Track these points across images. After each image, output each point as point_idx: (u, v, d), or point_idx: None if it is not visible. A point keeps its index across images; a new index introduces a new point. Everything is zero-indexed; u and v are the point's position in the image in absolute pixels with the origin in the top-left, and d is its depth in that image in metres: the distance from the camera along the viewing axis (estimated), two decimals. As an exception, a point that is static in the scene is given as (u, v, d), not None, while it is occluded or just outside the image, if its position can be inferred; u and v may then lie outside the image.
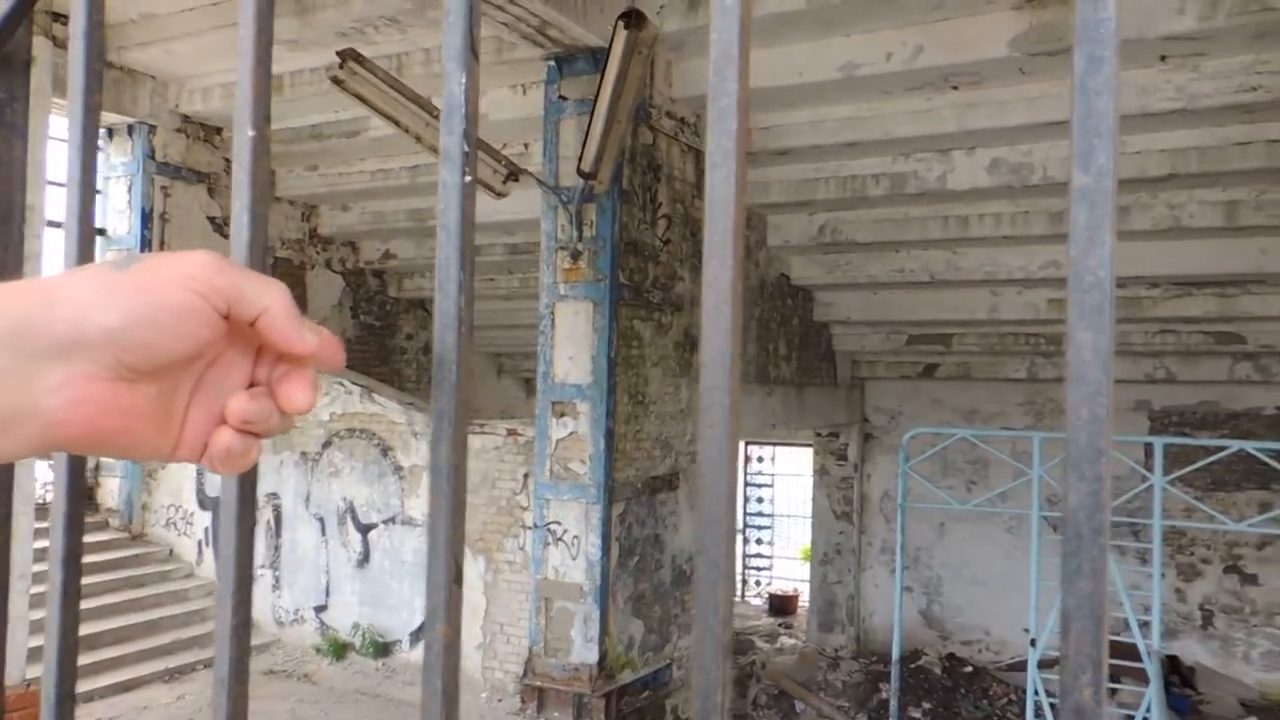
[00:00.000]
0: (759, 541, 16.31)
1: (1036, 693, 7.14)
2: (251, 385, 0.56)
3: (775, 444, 16.15)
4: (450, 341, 0.59)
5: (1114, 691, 9.31)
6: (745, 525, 16.35)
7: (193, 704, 7.97)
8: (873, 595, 12.79)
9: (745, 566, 16.24)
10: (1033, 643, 7.16)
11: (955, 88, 7.90)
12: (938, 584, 12.57)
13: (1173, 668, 10.80)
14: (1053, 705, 7.67)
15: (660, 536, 9.18)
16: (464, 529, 0.61)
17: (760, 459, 16.44)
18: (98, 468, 10.68)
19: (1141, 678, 10.09)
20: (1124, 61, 7.33)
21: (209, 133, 11.13)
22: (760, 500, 16.42)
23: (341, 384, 9.86)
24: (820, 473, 13.46)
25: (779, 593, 15.38)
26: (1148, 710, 6.46)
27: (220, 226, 11.35)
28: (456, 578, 0.60)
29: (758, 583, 16.17)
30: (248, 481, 0.69)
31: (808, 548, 14.26)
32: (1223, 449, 7.50)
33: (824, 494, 13.39)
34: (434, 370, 0.59)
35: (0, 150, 0.94)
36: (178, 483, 10.46)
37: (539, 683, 8.43)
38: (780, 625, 14.27)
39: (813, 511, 13.64)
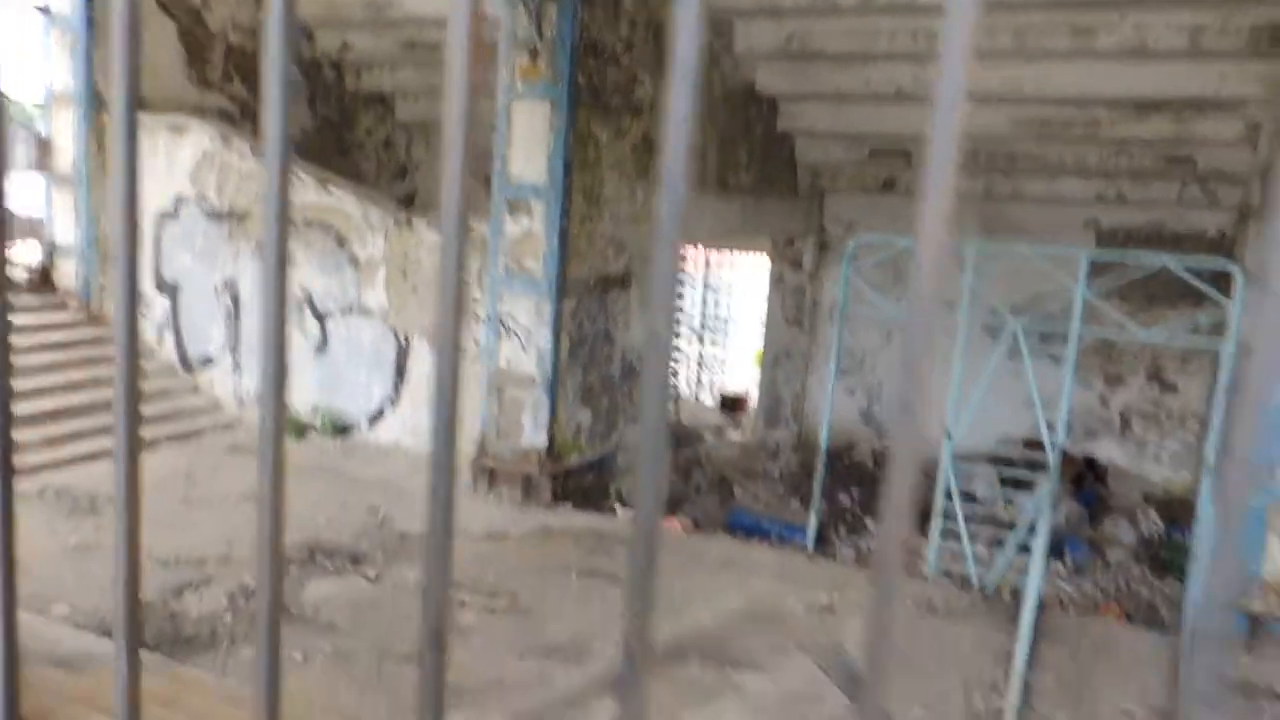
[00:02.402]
0: (714, 344, 16.81)
1: (947, 479, 7.76)
2: None
3: (733, 250, 16.37)
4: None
5: (1031, 483, 9.99)
6: (702, 327, 16.80)
7: (156, 474, 8.43)
8: (817, 395, 13.34)
9: (700, 367, 16.80)
10: (948, 435, 7.70)
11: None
12: (879, 388, 13.17)
13: (1089, 466, 11.58)
14: (962, 492, 8.29)
15: (610, 332, 9.52)
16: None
17: (719, 264, 16.70)
18: (53, 249, 10.75)
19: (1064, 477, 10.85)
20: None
21: (151, -98, 10.55)
22: (717, 304, 16.80)
23: (297, 175, 9.84)
24: (776, 280, 13.76)
25: (730, 393, 16.02)
26: (1048, 498, 7.04)
27: (166, 5, 10.95)
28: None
29: (711, 383, 16.78)
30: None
31: (761, 352, 14.74)
32: (1147, 265, 7.79)
33: (778, 300, 13.74)
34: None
35: None
36: (136, 268, 10.58)
37: (490, 464, 8.96)
38: (729, 422, 14.96)
39: (766, 317, 14.03)
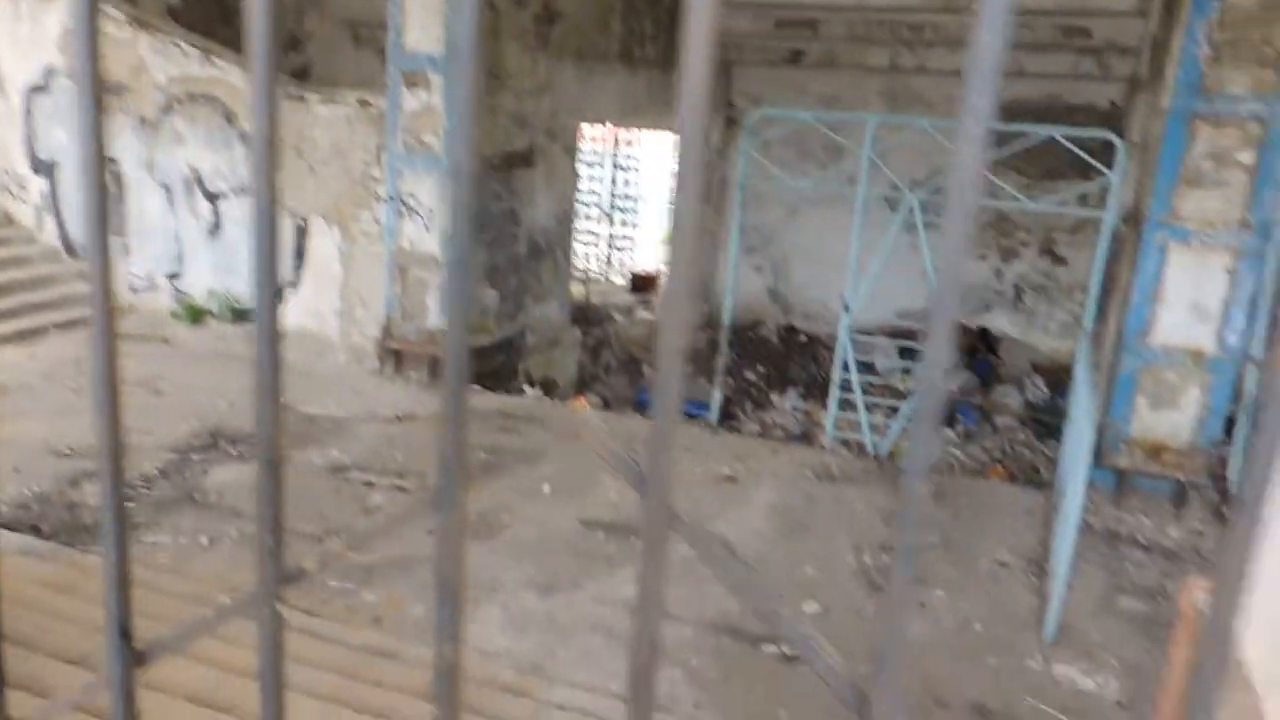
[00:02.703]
0: (624, 224, 16.70)
1: (845, 350, 8.02)
2: None
3: (643, 128, 16.13)
4: None
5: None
6: (613, 207, 16.65)
7: (45, 362, 8.16)
8: (725, 274, 13.47)
9: (611, 247, 16.73)
10: (846, 308, 7.91)
11: None
12: (785, 264, 13.34)
13: (982, 337, 12.05)
14: (859, 361, 8.58)
15: (516, 211, 9.39)
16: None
17: (629, 143, 16.44)
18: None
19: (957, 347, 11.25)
20: None
21: None
22: (627, 184, 16.63)
23: (177, 45, 9.29)
24: (683, 156, 13.64)
25: (641, 272, 16.04)
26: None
27: None
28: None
29: (622, 263, 16.75)
30: None
31: (669, 231, 14.73)
32: (1034, 136, 7.92)
33: (685, 177, 13.65)
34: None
35: None
36: (5, 144, 9.95)
37: (396, 346, 8.89)
38: (639, 301, 15.03)
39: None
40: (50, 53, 9.61)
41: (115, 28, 9.42)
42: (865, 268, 8.04)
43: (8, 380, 7.80)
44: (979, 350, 11.61)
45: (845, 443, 8.35)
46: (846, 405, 8.49)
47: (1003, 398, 10.50)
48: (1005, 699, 4.53)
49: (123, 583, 1.18)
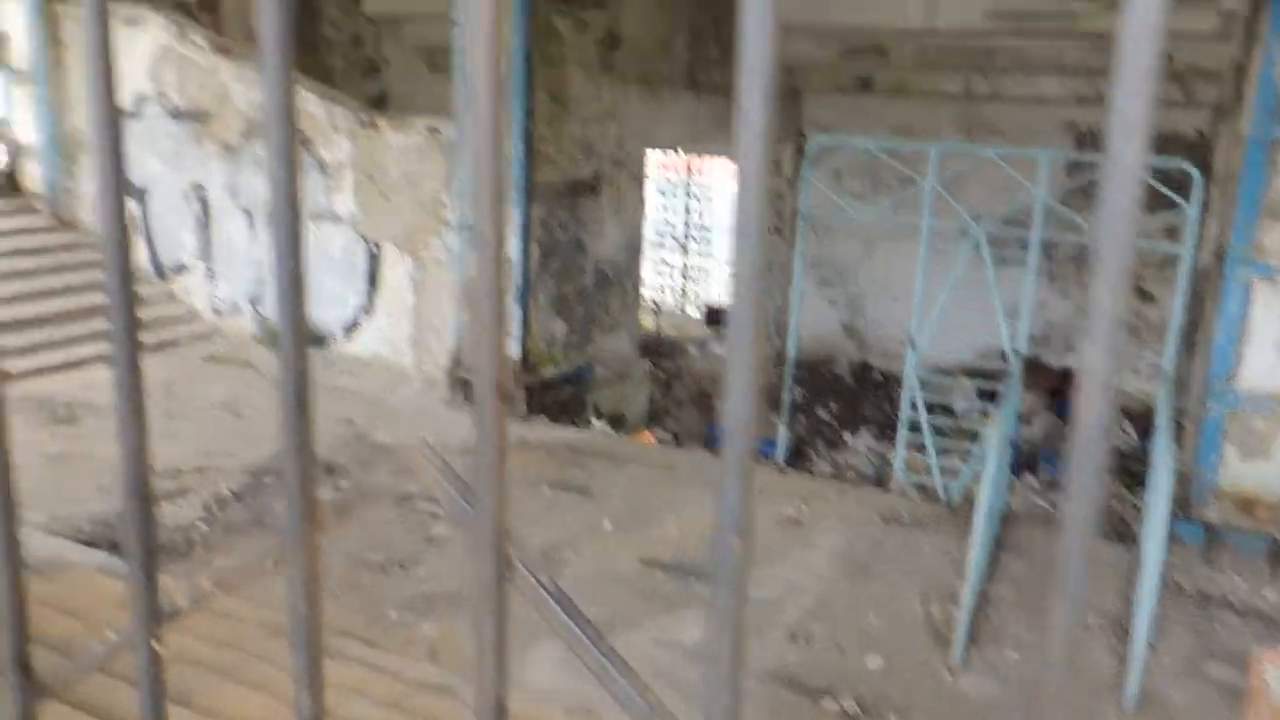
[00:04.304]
0: (699, 254, 16.66)
1: (913, 389, 7.81)
2: None
3: (712, 155, 16.09)
4: None
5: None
6: (686, 237, 16.64)
7: (128, 384, 8.39)
8: (798, 308, 13.29)
9: (685, 279, 16.69)
10: (912, 344, 7.71)
11: None
12: (861, 299, 13.11)
13: (1066, 379, 11.64)
14: (937, 403, 8.35)
15: (582, 241, 9.40)
16: None
17: (701, 171, 16.43)
18: (17, 150, 10.45)
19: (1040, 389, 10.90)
20: None
21: None
22: (700, 213, 16.60)
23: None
24: (755, 186, 13.55)
25: (715, 304, 15.95)
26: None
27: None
28: None
29: (696, 294, 16.69)
30: None
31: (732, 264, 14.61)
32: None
33: (758, 207, 13.55)
34: None
35: None
36: (100, 174, 10.33)
37: (466, 375, 8.95)
38: (714, 334, 14.94)
39: (746, 224, 13.84)
40: (141, 81, 9.95)
41: (199, 54, 9.73)
42: (933, 303, 7.84)
43: (98, 400, 8.04)
44: (1063, 393, 11.22)
45: (921, 486, 8.12)
46: (920, 447, 8.26)
47: (1084, 440, 10.10)
48: (1080, 768, 4.29)
49: (19, 615, 1.14)
